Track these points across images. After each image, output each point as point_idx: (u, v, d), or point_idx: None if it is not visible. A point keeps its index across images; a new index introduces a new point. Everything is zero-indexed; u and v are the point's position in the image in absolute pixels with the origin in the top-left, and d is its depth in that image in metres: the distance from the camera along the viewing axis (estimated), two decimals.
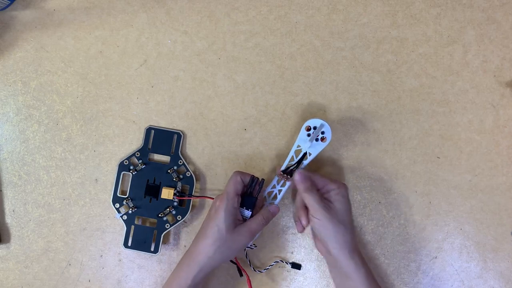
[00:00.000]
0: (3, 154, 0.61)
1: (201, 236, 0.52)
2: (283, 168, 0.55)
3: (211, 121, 0.60)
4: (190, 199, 0.58)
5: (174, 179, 0.58)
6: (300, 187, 0.52)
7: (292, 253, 0.59)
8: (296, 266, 0.58)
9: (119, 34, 0.61)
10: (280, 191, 0.56)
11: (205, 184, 0.60)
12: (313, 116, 0.59)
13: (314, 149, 0.54)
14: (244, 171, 0.54)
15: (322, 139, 0.53)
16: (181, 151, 0.59)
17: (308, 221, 0.53)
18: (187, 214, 0.58)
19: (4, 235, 0.60)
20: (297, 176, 0.52)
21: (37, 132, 0.61)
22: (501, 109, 0.58)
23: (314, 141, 0.53)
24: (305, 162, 0.54)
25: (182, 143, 0.60)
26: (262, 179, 0.53)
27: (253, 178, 0.53)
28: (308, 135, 0.53)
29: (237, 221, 0.52)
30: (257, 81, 0.60)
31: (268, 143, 0.59)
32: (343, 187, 0.52)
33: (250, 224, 0.52)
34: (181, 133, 0.59)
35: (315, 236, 0.55)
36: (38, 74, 0.61)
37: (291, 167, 0.54)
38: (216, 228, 0.50)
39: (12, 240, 0.60)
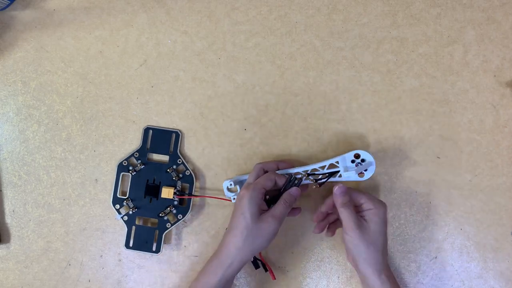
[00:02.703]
0: (3, 154, 0.61)
1: (228, 228, 0.51)
2: (310, 168, 0.54)
3: (211, 121, 0.60)
4: (191, 198, 0.58)
5: (173, 178, 0.58)
6: (338, 200, 0.51)
7: (292, 253, 0.59)
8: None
9: (119, 34, 0.61)
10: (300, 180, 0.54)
11: (205, 184, 0.60)
12: (314, 114, 0.59)
13: (347, 175, 0.52)
14: (281, 174, 0.53)
15: (360, 173, 0.53)
16: (179, 150, 0.59)
17: (322, 229, 0.56)
18: (188, 213, 0.58)
19: (4, 235, 0.60)
20: (337, 189, 0.51)
21: (37, 132, 0.61)
22: (501, 109, 0.58)
23: (354, 168, 0.52)
24: (333, 179, 0.53)
25: (181, 142, 0.60)
26: (300, 178, 0.52)
27: (290, 178, 0.52)
28: (353, 161, 0.52)
29: (262, 211, 0.51)
30: (257, 81, 0.60)
31: (268, 143, 0.59)
32: (382, 208, 0.51)
33: (274, 210, 0.50)
34: (179, 132, 0.59)
35: (347, 248, 0.54)
36: (38, 74, 0.61)
37: (320, 176, 0.53)
38: (241, 217, 0.49)
39: (12, 240, 0.60)
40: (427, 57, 0.59)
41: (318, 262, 0.59)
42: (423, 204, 0.58)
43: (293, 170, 0.55)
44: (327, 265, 0.58)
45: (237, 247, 0.49)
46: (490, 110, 0.58)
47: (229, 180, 0.57)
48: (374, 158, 0.52)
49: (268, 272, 0.57)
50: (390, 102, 0.59)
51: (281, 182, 0.53)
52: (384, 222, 0.51)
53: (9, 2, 0.60)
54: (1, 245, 0.60)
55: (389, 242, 0.58)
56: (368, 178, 0.53)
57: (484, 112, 0.58)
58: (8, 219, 0.60)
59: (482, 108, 0.58)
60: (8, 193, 0.60)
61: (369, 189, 0.58)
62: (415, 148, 0.58)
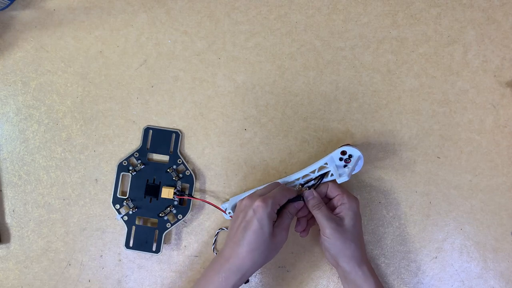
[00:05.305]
0: (3, 154, 0.61)
1: (240, 240, 0.49)
2: (300, 175, 0.55)
3: (211, 121, 0.60)
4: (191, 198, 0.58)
5: (173, 178, 0.58)
6: (309, 204, 0.53)
7: (292, 253, 0.59)
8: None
9: (119, 34, 0.61)
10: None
11: (205, 184, 0.60)
12: (314, 114, 0.59)
13: (342, 179, 0.52)
14: (292, 190, 0.54)
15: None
16: (180, 150, 0.59)
17: (306, 231, 0.55)
18: (188, 213, 0.58)
19: (4, 235, 0.60)
20: (306, 193, 0.53)
21: (37, 132, 0.61)
22: (501, 109, 0.58)
23: (343, 166, 0.53)
24: (325, 179, 0.54)
25: (181, 142, 0.60)
26: (300, 195, 0.54)
27: (298, 196, 0.53)
28: (341, 159, 0.53)
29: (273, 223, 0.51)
30: (257, 81, 0.60)
31: (268, 143, 0.59)
32: (355, 202, 0.53)
33: (284, 222, 0.52)
34: (179, 132, 0.59)
35: (325, 248, 0.55)
36: (38, 74, 0.61)
37: (312, 181, 0.55)
38: (260, 232, 0.49)
39: (12, 240, 0.60)
40: (427, 57, 0.59)
41: (318, 262, 0.59)
42: (423, 204, 0.58)
43: (286, 180, 0.56)
44: (327, 265, 0.58)
45: (253, 261, 0.49)
46: (490, 110, 0.58)
47: (226, 204, 0.58)
48: (361, 151, 0.53)
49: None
50: (390, 102, 0.59)
51: (291, 197, 0.53)
52: (358, 216, 0.53)
53: (9, 2, 0.60)
54: (1, 245, 0.60)
55: (388, 242, 0.58)
56: (359, 171, 0.54)
57: (484, 112, 0.58)
58: (8, 219, 0.60)
59: (482, 108, 0.58)
60: (8, 193, 0.60)
61: (369, 189, 0.58)
62: (415, 148, 0.58)
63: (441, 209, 0.58)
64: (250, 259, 0.49)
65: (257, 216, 0.49)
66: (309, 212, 0.53)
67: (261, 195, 0.51)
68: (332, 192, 0.54)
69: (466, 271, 0.57)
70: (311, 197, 0.53)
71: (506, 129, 0.58)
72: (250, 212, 0.50)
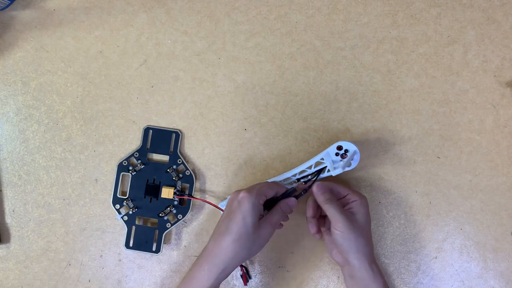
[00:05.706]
0: (3, 154, 0.61)
1: (223, 231, 0.48)
2: (297, 171, 0.55)
3: (211, 121, 0.60)
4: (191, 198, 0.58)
5: (173, 178, 0.58)
6: (320, 198, 0.51)
7: (292, 253, 0.59)
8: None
9: (119, 34, 0.61)
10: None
11: (205, 184, 0.60)
12: (314, 114, 0.59)
13: (336, 172, 0.53)
14: (282, 185, 0.53)
15: (348, 164, 0.54)
16: (180, 150, 0.59)
17: (318, 231, 0.54)
18: (188, 213, 0.58)
19: (4, 235, 0.60)
20: (315, 188, 0.52)
21: (37, 132, 0.61)
22: (501, 109, 0.58)
23: (339, 161, 0.53)
24: (322, 175, 0.54)
25: (181, 142, 0.60)
26: (294, 189, 0.53)
27: (289, 189, 0.53)
28: (337, 154, 0.53)
29: (260, 216, 0.50)
30: (257, 81, 0.60)
31: (268, 143, 0.59)
32: (365, 199, 0.53)
33: (271, 217, 0.50)
34: (179, 132, 0.59)
35: (331, 245, 0.54)
36: (38, 74, 0.61)
37: (309, 176, 0.54)
38: (242, 222, 0.48)
39: (12, 240, 0.60)
40: (427, 57, 0.59)
41: (318, 262, 0.59)
42: (423, 204, 0.58)
43: (283, 176, 0.56)
44: (327, 265, 0.58)
45: (235, 253, 0.48)
46: (490, 110, 0.58)
47: (224, 202, 0.58)
48: (357, 146, 0.53)
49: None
50: (390, 102, 0.59)
51: (281, 192, 0.53)
52: (369, 214, 0.53)
53: (9, 2, 0.60)
54: (1, 245, 0.60)
55: (388, 242, 0.58)
56: (355, 166, 0.54)
57: (484, 112, 0.58)
58: (8, 219, 0.60)
59: (482, 108, 0.58)
60: (8, 193, 0.60)
61: (369, 189, 0.58)
62: (415, 148, 0.58)
63: (441, 209, 0.58)
64: (232, 249, 0.47)
65: (241, 207, 0.48)
66: (318, 208, 0.52)
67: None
68: (342, 190, 0.53)
69: (466, 271, 0.57)
70: (322, 191, 0.51)
71: (506, 129, 0.58)
72: (235, 204, 0.49)
